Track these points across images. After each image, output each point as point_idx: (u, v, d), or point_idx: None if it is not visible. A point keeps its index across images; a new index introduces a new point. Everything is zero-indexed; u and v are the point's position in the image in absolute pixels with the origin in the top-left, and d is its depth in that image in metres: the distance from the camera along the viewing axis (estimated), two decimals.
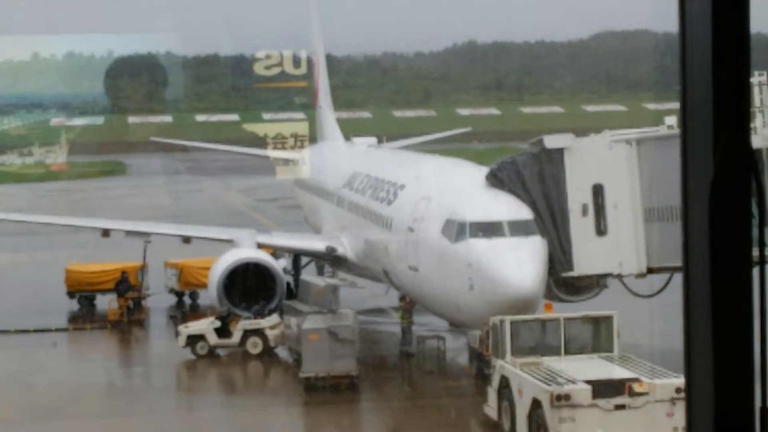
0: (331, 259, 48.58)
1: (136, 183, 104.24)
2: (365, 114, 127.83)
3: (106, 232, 51.41)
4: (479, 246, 33.76)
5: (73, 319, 51.02)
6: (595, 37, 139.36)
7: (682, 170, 5.67)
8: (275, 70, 48.21)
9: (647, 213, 33.52)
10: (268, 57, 48.29)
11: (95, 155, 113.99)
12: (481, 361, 35.51)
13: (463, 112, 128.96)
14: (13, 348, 45.55)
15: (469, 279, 33.42)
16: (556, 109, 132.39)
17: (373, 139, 61.24)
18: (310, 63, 63.95)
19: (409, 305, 42.10)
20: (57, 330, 48.43)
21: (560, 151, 34.41)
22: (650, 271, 33.59)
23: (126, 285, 49.83)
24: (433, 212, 36.22)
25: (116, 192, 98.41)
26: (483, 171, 36.95)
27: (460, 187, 37.33)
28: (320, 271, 53.04)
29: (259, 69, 48.71)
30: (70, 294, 52.90)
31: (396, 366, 41.37)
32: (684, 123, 5.65)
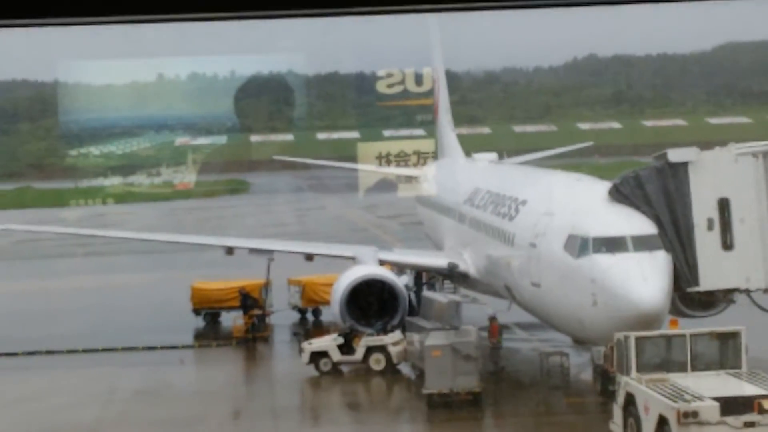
0: (453, 276, 48.56)
1: (259, 201, 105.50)
2: (485, 130, 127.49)
3: (230, 250, 52.13)
4: (603, 261, 33.48)
5: (199, 336, 51.81)
6: (719, 48, 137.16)
7: None
8: (397, 89, 48.39)
9: None
10: (389, 75, 48.47)
11: (219, 174, 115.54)
12: (605, 378, 35.17)
13: (584, 126, 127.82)
14: (141, 365, 46.37)
15: (592, 295, 33.16)
16: (679, 122, 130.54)
17: (494, 155, 61.13)
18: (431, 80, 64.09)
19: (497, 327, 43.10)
20: (183, 347, 49.23)
21: (684, 165, 34.03)
22: None
23: (250, 301, 50.43)
24: (556, 227, 36.01)
25: (240, 210, 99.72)
26: (605, 186, 36.66)
27: (583, 202, 37.06)
28: (432, 287, 52.95)
29: (381, 87, 48.91)
30: (196, 311, 53.74)
31: (518, 382, 41.14)
32: None
